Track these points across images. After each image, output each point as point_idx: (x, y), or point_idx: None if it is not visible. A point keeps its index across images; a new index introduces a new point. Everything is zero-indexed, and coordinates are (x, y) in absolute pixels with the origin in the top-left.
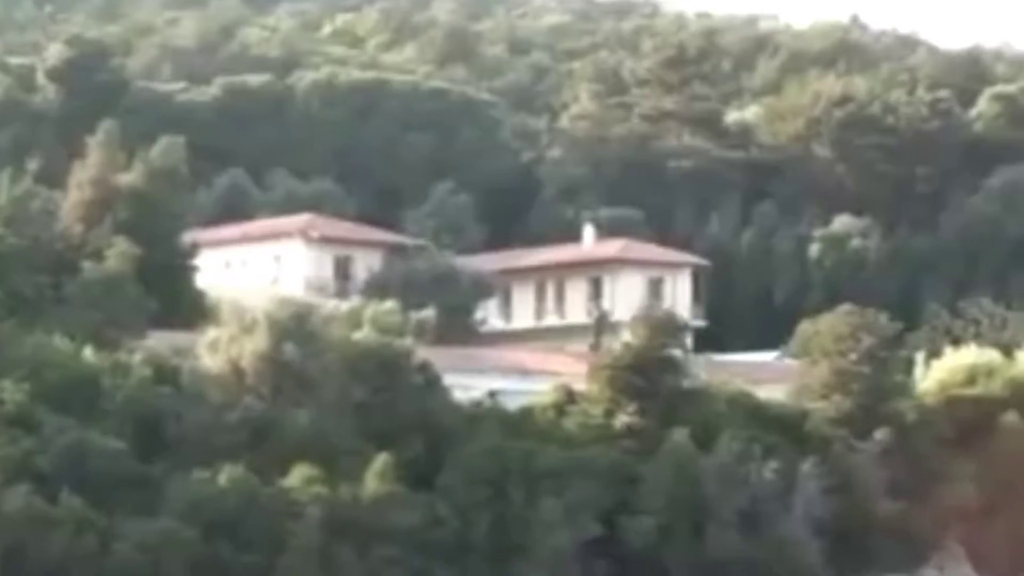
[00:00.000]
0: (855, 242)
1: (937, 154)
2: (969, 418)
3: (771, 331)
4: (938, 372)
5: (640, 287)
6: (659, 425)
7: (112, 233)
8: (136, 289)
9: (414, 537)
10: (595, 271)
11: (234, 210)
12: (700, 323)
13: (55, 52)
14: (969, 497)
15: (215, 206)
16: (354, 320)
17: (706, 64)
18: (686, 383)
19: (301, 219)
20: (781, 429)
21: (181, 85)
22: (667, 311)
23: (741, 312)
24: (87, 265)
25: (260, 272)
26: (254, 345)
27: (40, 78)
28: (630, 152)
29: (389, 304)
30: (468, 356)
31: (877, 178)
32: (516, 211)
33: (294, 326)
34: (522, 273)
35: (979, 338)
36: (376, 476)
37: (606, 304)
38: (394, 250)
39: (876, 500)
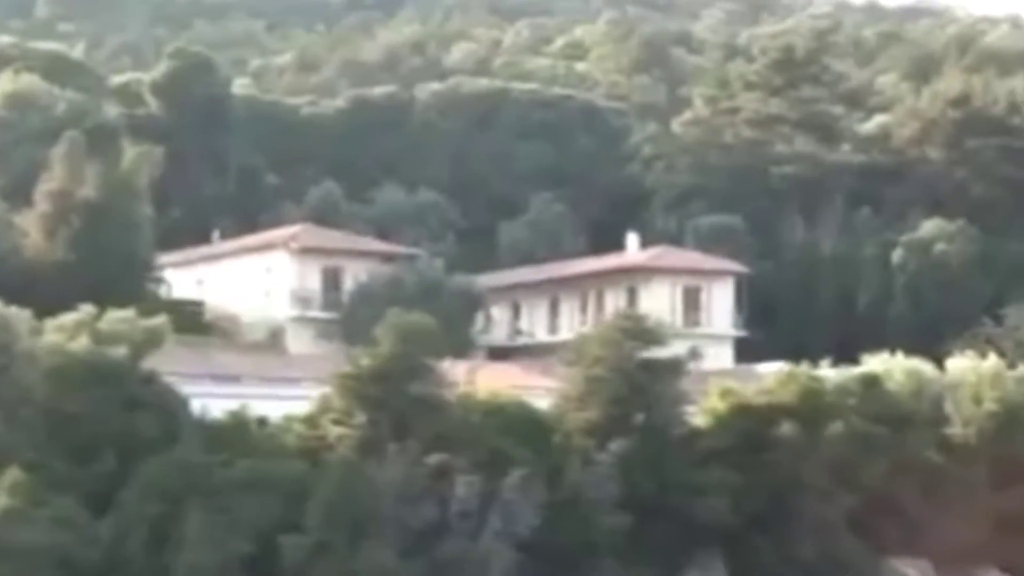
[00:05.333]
0: (939, 247)
1: None
2: (751, 428)
3: (853, 339)
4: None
5: (672, 296)
6: (391, 437)
7: (68, 246)
8: None
9: (50, 555)
10: (630, 280)
11: (326, 224)
12: (741, 333)
13: (160, 66)
14: (723, 513)
15: (307, 220)
16: (79, 329)
17: (815, 66)
18: (430, 392)
19: (288, 230)
20: (530, 440)
21: (307, 99)
22: (421, 317)
23: (822, 320)
24: None
25: (254, 285)
26: None
27: (146, 93)
28: (738, 158)
29: (122, 313)
30: None
31: (996, 182)
32: (624, 221)
33: None
34: (568, 283)
35: (1020, 347)
36: (5, 490)
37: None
38: (387, 260)
39: (603, 516)
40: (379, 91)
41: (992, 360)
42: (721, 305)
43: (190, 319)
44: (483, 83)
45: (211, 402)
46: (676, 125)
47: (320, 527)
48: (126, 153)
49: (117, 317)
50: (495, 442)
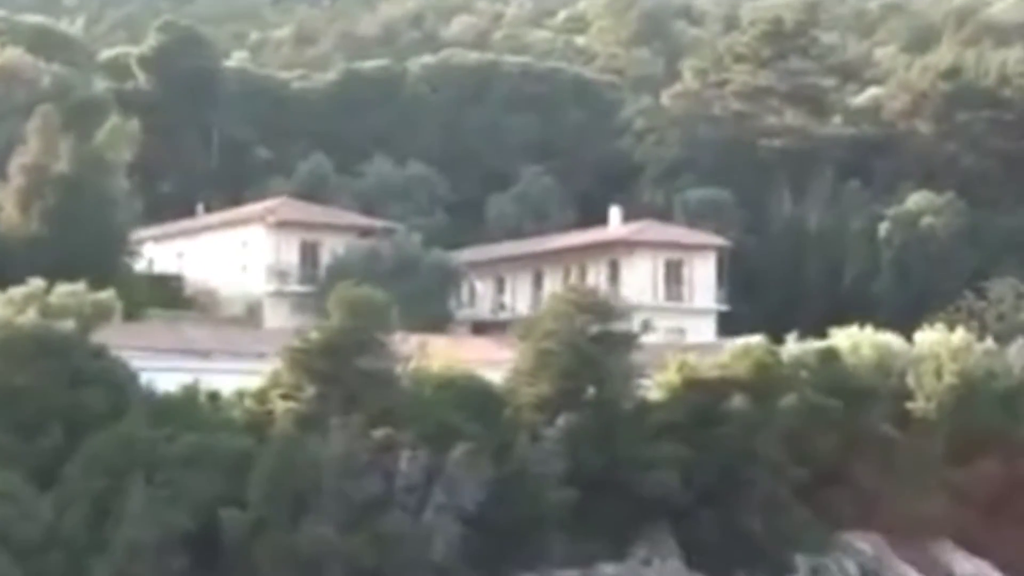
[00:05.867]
0: (926, 220)
1: None
2: (704, 402)
3: (839, 313)
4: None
5: (654, 270)
6: (339, 411)
7: (42, 220)
8: None
9: None
10: (612, 254)
11: (314, 198)
12: (723, 307)
13: (149, 40)
14: (673, 487)
15: (295, 193)
16: (28, 303)
17: (803, 39)
18: (380, 366)
19: (265, 204)
20: (481, 414)
21: (298, 72)
22: (371, 290)
23: (808, 294)
24: None
25: (231, 259)
26: None
27: (135, 67)
28: (727, 131)
29: (73, 287)
30: None
31: (986, 154)
32: (613, 194)
33: None
34: (551, 257)
35: (1001, 320)
36: None
37: (623, 288)
38: (365, 234)
39: (550, 490)
40: (370, 64)
41: (959, 333)
42: (703, 279)
43: (170, 293)
44: (474, 56)
45: (177, 376)
46: (665, 98)
47: (261, 502)
48: (103, 127)
49: (66, 291)
50: (444, 416)
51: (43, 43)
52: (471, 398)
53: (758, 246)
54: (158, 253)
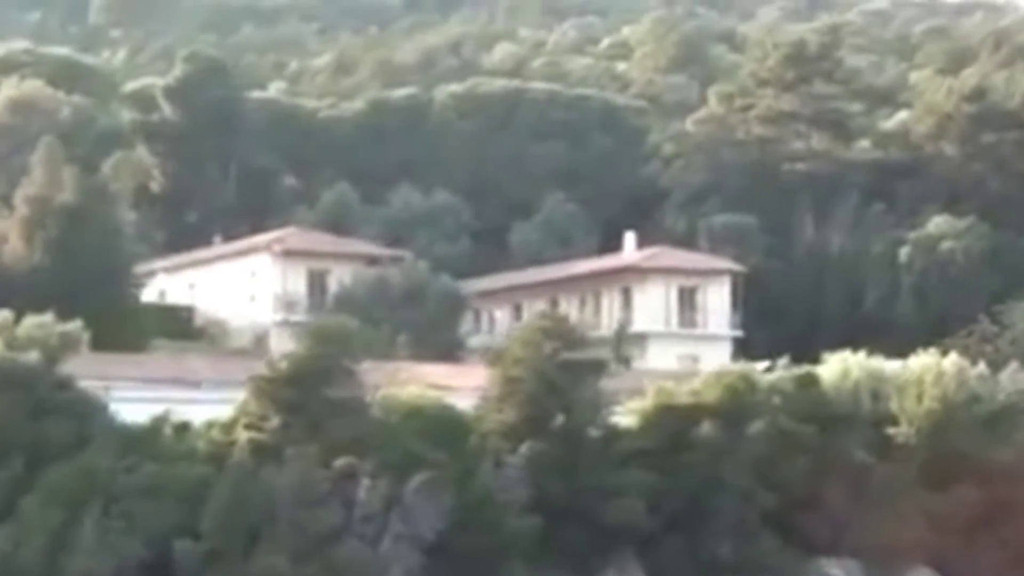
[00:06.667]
0: (946, 244)
1: None
2: (675, 429)
3: (860, 337)
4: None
5: (667, 296)
6: (303, 440)
7: (45, 251)
8: None
9: None
10: (625, 280)
11: (338, 227)
12: (737, 333)
13: (175, 71)
14: (639, 514)
15: (320, 222)
16: None
17: (827, 62)
18: (346, 395)
19: (272, 234)
20: (447, 442)
21: (328, 101)
22: (339, 319)
23: (829, 318)
24: None
25: (240, 289)
26: None
27: (160, 97)
28: (751, 155)
29: (42, 318)
30: None
31: (1012, 176)
32: (638, 221)
33: None
34: (567, 284)
35: (1013, 344)
36: None
37: (636, 314)
38: (373, 263)
39: (512, 518)
40: (398, 93)
41: (951, 358)
42: (718, 305)
43: (180, 324)
44: (500, 83)
45: (155, 407)
46: (689, 123)
47: (215, 532)
48: (114, 158)
49: (33, 323)
50: (410, 444)
51: (67, 75)
52: (439, 426)
53: (780, 270)
54: (171, 284)
